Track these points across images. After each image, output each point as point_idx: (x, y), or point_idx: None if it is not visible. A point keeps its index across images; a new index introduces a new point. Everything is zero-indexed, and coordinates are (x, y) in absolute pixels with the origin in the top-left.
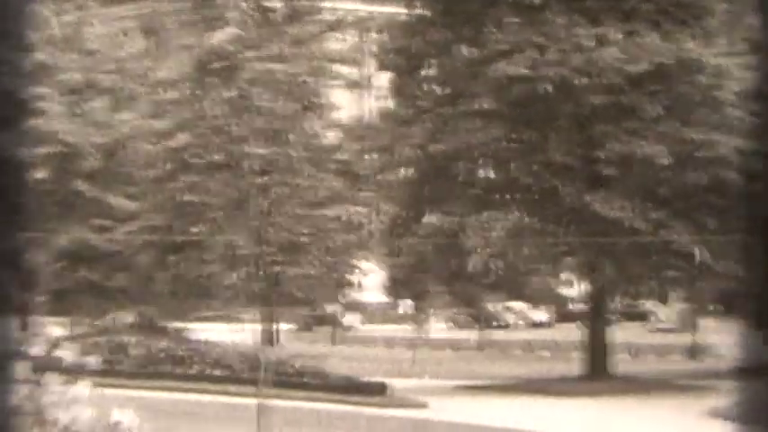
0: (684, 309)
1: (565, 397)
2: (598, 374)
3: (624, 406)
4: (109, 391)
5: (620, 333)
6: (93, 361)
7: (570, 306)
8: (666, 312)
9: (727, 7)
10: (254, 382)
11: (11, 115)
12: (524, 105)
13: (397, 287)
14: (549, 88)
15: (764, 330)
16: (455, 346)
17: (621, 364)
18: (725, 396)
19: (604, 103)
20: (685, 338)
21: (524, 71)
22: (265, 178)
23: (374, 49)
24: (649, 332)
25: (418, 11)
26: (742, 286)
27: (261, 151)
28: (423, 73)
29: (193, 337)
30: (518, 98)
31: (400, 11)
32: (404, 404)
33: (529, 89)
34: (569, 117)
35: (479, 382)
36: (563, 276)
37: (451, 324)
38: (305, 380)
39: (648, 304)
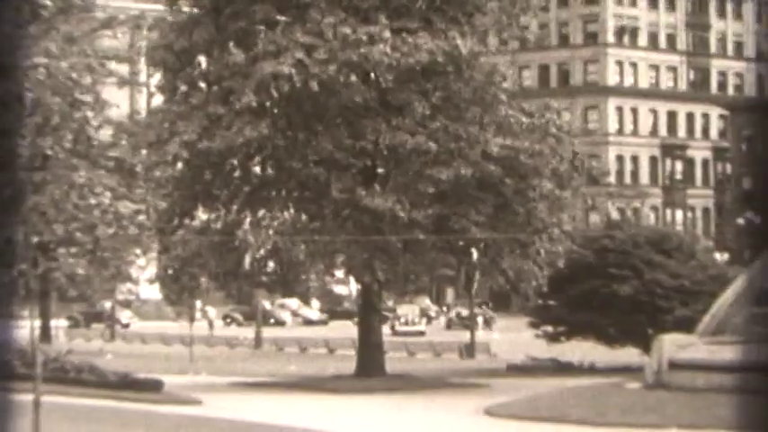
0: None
1: (338, 394)
2: (372, 372)
3: (397, 403)
4: None
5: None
6: None
7: (345, 304)
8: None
9: (500, 5)
10: (29, 379)
11: None
12: (293, 103)
13: (169, 284)
14: (315, 86)
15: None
16: (231, 343)
17: (396, 361)
18: (497, 394)
19: (374, 100)
20: (461, 337)
21: (290, 70)
22: (40, 174)
23: (145, 46)
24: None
25: (186, 9)
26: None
27: (34, 147)
28: (193, 71)
29: None
30: (287, 96)
31: (171, 9)
32: (179, 401)
33: (296, 87)
34: (339, 114)
35: (255, 380)
36: (337, 274)
37: (228, 321)
38: (81, 376)
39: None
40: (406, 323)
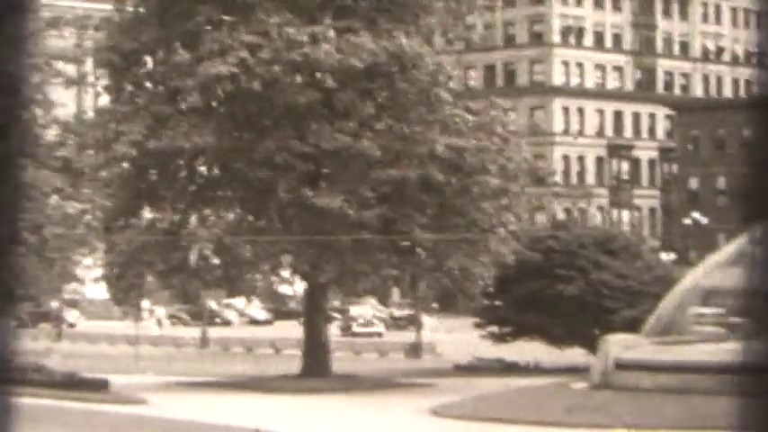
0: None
1: (283, 394)
2: (317, 372)
3: (342, 403)
4: None
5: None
6: None
7: (291, 304)
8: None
9: (445, 5)
10: None
11: None
12: (238, 103)
13: (114, 282)
14: (258, 86)
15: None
16: (177, 343)
17: (342, 361)
18: (444, 394)
19: (318, 101)
20: (407, 337)
21: (234, 70)
22: None
23: (92, 46)
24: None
25: (130, 8)
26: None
27: None
28: (139, 71)
29: None
30: (231, 96)
31: (117, 9)
32: (125, 400)
33: (240, 87)
34: (284, 115)
35: (200, 379)
36: (283, 274)
37: (174, 321)
38: (27, 376)
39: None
40: (365, 324)
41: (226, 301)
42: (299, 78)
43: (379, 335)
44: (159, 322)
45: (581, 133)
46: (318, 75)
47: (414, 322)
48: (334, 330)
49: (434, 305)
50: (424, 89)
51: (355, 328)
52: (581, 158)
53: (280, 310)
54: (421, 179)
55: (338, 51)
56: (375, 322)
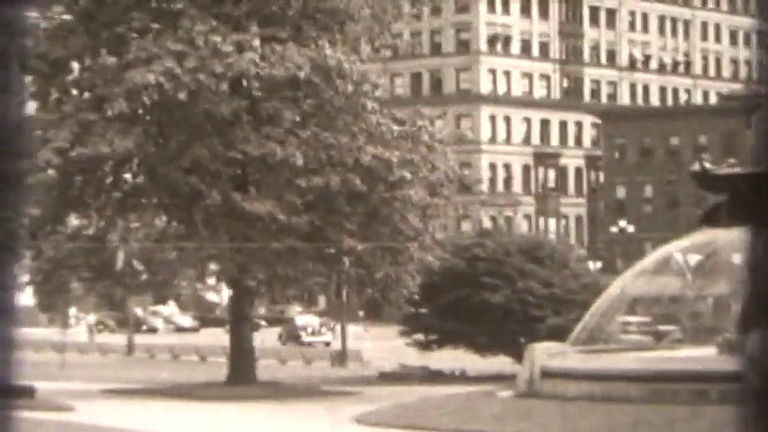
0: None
1: (209, 401)
2: (243, 379)
3: (268, 411)
4: None
5: (268, 338)
6: None
7: (217, 311)
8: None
9: (372, 13)
10: None
11: None
12: (164, 111)
13: (40, 287)
14: (183, 96)
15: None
16: (104, 350)
17: (268, 369)
18: (369, 402)
19: (244, 108)
20: (333, 345)
21: (160, 79)
22: None
23: (18, 53)
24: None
25: (57, 16)
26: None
27: None
28: (65, 78)
29: None
30: (157, 104)
31: (44, 16)
32: (51, 407)
33: (166, 95)
34: (210, 123)
35: (126, 386)
36: (209, 281)
37: (101, 328)
38: None
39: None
40: (313, 333)
41: (152, 308)
42: (224, 86)
43: (327, 344)
44: (91, 329)
45: (508, 141)
46: (244, 83)
47: (333, 329)
48: (273, 338)
49: (360, 313)
50: (350, 98)
51: (304, 338)
52: (507, 167)
53: (206, 317)
54: (346, 188)
55: (263, 60)
56: (323, 331)
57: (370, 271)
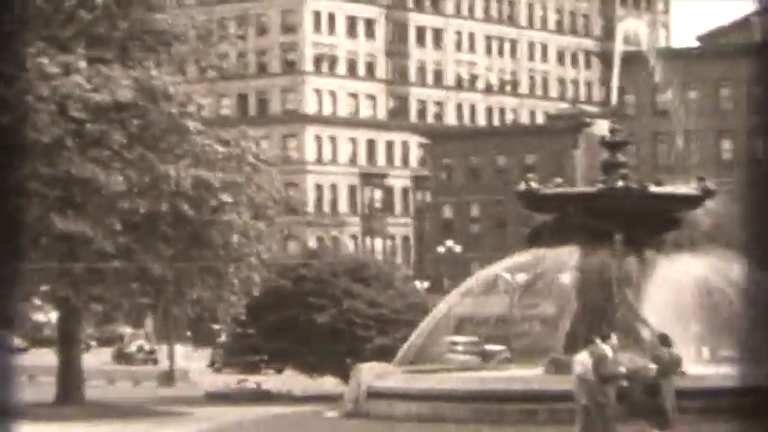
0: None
1: (37, 421)
2: (70, 400)
3: (94, 431)
4: None
5: (95, 359)
6: None
7: (46, 331)
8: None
9: (198, 34)
10: None
11: None
12: None
13: None
14: (8, 120)
15: None
16: None
17: (95, 389)
18: (196, 422)
19: (69, 131)
20: (161, 365)
21: None
22: None
23: None
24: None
25: None
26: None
27: None
28: None
29: None
30: None
31: None
32: None
33: None
34: (35, 144)
35: None
36: (36, 302)
37: None
38: None
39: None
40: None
41: None
42: (52, 107)
43: (155, 362)
44: None
45: (334, 161)
46: (70, 105)
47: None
48: (104, 359)
49: (188, 333)
50: (174, 120)
51: (135, 358)
52: (334, 187)
53: (35, 337)
54: (170, 210)
55: (89, 81)
56: (152, 351)
57: (188, 292)
